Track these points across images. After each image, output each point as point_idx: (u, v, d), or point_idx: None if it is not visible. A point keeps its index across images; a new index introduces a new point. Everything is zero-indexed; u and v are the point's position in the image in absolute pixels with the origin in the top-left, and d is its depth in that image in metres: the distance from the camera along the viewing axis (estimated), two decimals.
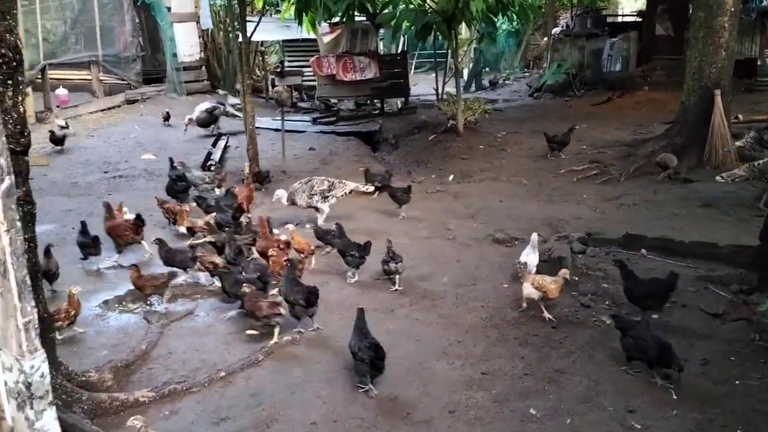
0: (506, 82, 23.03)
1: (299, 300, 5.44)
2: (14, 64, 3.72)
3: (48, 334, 4.21)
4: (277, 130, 12.91)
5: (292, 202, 8.16)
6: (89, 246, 6.99)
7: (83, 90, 17.72)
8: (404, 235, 7.86)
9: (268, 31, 18.00)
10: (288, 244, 6.71)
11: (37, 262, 4.12)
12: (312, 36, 16.65)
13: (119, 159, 12.48)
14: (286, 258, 5.95)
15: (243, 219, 7.62)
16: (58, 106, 16.29)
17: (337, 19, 15.18)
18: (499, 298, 6.07)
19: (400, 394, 4.56)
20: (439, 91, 17.60)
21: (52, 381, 4.14)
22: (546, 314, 5.57)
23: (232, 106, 15.83)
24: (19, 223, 2.55)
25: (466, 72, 22.79)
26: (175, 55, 18.68)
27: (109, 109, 16.97)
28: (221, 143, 12.66)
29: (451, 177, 10.95)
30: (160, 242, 6.65)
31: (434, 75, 18.72)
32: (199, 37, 19.79)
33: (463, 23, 13.64)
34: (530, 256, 6.18)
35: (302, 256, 6.74)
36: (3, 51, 3.64)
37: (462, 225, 8.24)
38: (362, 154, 12.77)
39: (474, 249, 7.35)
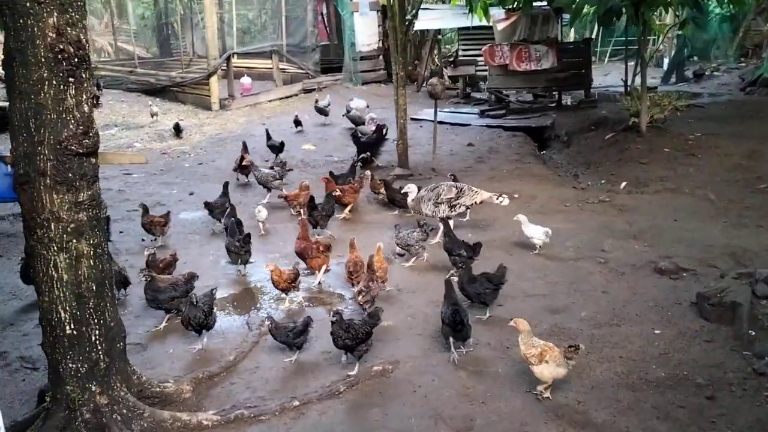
0: (715, 73, 20.06)
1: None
2: (76, 60, 3.50)
3: (116, 344, 4.03)
4: (440, 122, 12.31)
5: (418, 210, 7.45)
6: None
7: (269, 79, 18.55)
8: (545, 254, 6.84)
9: (441, 19, 17.40)
10: (328, 247, 6.49)
11: (106, 269, 3.92)
12: (488, 23, 15.71)
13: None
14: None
15: None
16: (242, 94, 17.24)
17: (513, 5, 14.19)
18: (645, 348, 4.90)
19: None
20: (628, 82, 15.73)
21: (114, 394, 4.01)
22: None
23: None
24: None
25: (666, 61, 20.27)
26: (353, 44, 18.86)
27: (286, 97, 17.58)
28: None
29: (623, 184, 9.51)
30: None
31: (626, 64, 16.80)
32: (379, 26, 19.80)
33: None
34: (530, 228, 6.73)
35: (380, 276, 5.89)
36: (62, 46, 3.43)
37: (620, 246, 6.96)
38: (525, 153, 11.66)
39: (627, 278, 6.12)
